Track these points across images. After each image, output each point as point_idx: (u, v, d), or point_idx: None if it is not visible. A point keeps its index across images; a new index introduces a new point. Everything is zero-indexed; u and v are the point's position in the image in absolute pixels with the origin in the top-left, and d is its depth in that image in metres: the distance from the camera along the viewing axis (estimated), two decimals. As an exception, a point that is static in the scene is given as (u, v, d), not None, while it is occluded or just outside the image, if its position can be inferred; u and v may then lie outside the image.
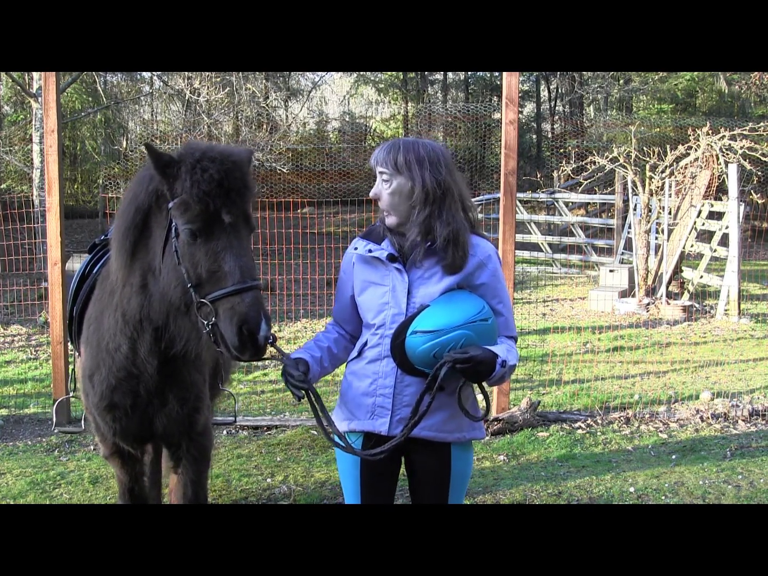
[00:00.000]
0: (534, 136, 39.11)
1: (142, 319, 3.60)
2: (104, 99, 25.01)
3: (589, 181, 21.02)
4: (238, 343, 3.07)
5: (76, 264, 11.75)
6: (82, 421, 4.47)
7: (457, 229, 3.36)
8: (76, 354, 4.80)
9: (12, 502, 5.86)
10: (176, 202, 3.24)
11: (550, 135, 38.06)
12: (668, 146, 14.56)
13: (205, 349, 3.56)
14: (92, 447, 7.17)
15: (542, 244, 19.58)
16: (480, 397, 3.55)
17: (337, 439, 3.36)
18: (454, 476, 3.54)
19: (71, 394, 5.24)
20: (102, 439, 4.21)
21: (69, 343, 7.57)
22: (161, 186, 3.33)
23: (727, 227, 13.78)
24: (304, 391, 3.27)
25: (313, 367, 3.41)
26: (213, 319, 3.13)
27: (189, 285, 3.21)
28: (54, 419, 5.51)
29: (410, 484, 3.66)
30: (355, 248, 3.50)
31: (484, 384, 3.42)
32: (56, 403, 5.61)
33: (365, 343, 3.48)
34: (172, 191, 3.28)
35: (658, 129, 24.18)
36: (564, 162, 19.65)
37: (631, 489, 6.06)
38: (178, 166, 3.26)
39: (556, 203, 20.38)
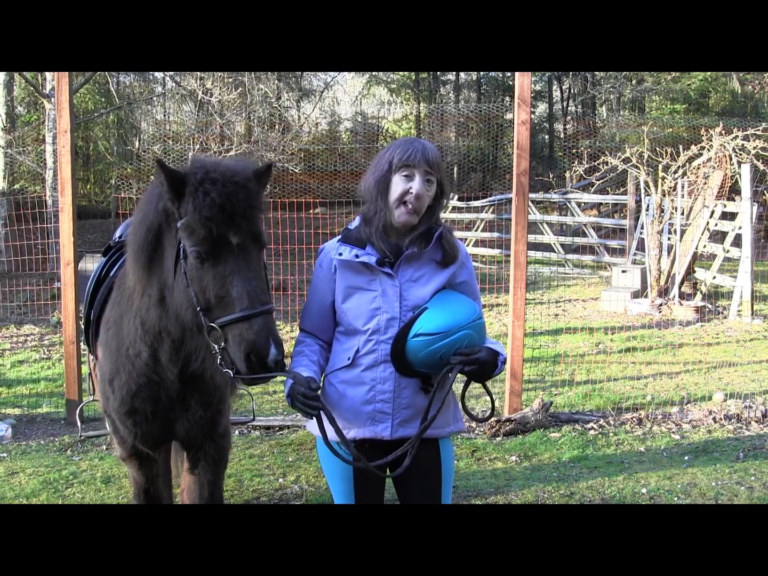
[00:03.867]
0: (546, 137, 39.12)
1: (161, 330, 3.54)
2: (117, 99, 25.14)
3: (602, 181, 21.01)
4: (246, 370, 3.02)
5: (89, 264, 11.82)
6: (107, 423, 4.40)
7: (446, 224, 3.54)
8: (90, 357, 4.76)
9: (25, 502, 5.87)
10: (183, 223, 3.17)
11: (562, 135, 38.08)
12: (681, 146, 14.53)
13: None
14: (104, 447, 7.19)
15: (554, 244, 19.57)
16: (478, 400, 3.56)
17: (345, 455, 3.31)
18: (445, 471, 3.57)
19: (91, 398, 5.12)
20: (120, 441, 4.14)
21: (82, 344, 7.60)
22: (170, 204, 3.24)
23: (740, 228, 13.75)
24: (315, 411, 3.20)
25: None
26: (222, 343, 3.08)
27: (198, 309, 3.15)
28: (78, 425, 5.43)
29: (398, 486, 3.63)
30: (340, 254, 3.44)
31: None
32: (78, 409, 5.51)
33: (357, 351, 3.43)
34: (179, 211, 3.20)
35: (670, 129, 24.10)
36: (576, 162, 19.64)
37: (644, 490, 6.05)
38: (185, 185, 3.17)
39: (568, 204, 20.36)
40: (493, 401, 3.58)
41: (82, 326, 4.72)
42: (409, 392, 3.40)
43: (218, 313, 3.09)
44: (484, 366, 3.26)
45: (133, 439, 3.95)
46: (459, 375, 3.33)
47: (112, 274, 4.32)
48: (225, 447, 4.22)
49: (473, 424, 7.40)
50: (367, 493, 3.54)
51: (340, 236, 3.53)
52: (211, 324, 3.10)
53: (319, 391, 3.38)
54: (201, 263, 3.12)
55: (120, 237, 4.77)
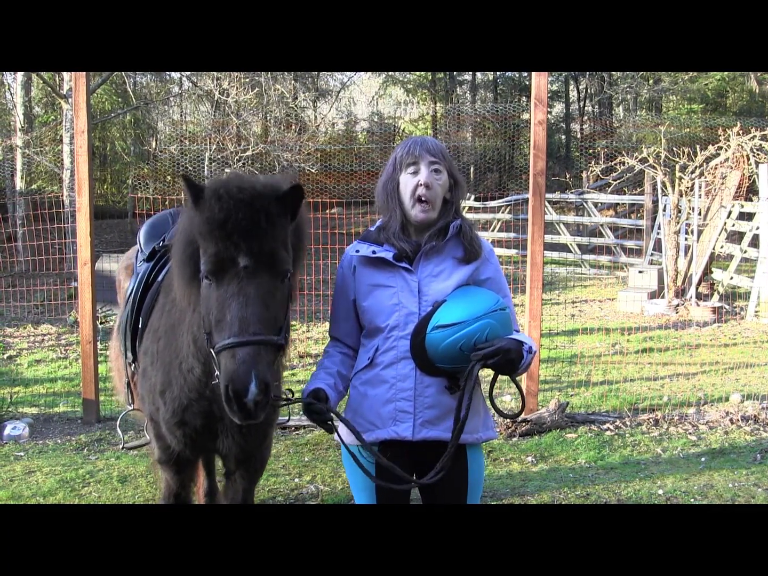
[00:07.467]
0: (563, 137, 39.04)
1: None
2: (134, 100, 25.24)
3: (619, 181, 20.95)
4: (225, 403, 2.82)
5: (106, 264, 11.87)
6: (147, 428, 4.23)
7: (467, 219, 3.53)
8: (130, 365, 4.45)
9: (42, 500, 5.90)
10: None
11: (579, 135, 37.98)
12: (698, 146, 14.48)
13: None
14: (121, 446, 7.21)
15: (571, 244, 19.52)
16: (507, 398, 3.53)
17: (367, 463, 3.28)
18: (471, 482, 3.46)
19: (130, 407, 4.88)
20: (164, 447, 3.97)
21: (98, 342, 7.61)
22: None
23: (757, 228, 13.70)
24: (332, 419, 3.19)
25: (331, 394, 3.32)
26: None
27: (204, 331, 3.03)
28: (121, 436, 5.30)
29: (423, 496, 3.55)
30: (357, 251, 3.44)
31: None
32: (119, 420, 5.26)
33: (377, 349, 3.37)
34: None
35: (687, 129, 24.01)
36: (593, 162, 19.59)
37: (660, 491, 6.02)
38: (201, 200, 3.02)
39: (585, 204, 20.31)
40: (523, 397, 3.48)
41: (120, 331, 4.51)
42: (433, 391, 3.30)
43: (216, 338, 2.92)
44: (508, 354, 3.15)
45: (182, 447, 3.82)
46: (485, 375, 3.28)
47: (159, 279, 4.19)
48: (266, 458, 4.13)
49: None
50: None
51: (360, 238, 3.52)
52: (211, 349, 2.96)
53: (345, 397, 3.38)
54: (208, 282, 2.98)
55: (163, 240, 4.62)
